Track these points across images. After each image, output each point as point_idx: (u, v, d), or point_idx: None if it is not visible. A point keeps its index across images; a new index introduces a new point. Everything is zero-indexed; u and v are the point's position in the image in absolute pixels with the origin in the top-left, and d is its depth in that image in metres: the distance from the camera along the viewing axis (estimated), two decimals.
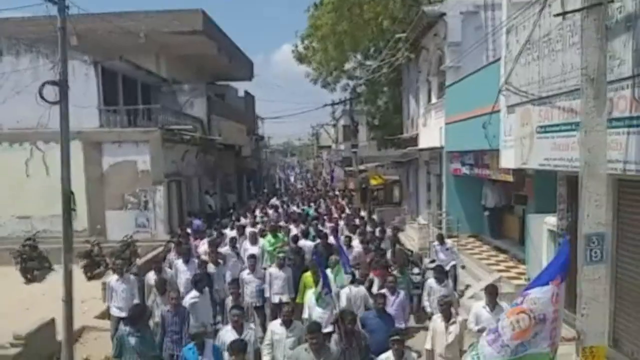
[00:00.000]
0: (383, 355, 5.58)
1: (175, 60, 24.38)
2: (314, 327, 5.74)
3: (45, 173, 16.68)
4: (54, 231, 14.47)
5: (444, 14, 13.86)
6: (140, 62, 19.91)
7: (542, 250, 8.96)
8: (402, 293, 7.79)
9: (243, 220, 15.08)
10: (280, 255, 9.61)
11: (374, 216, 19.52)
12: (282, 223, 14.26)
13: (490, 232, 13.61)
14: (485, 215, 13.56)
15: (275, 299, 8.86)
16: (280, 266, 9.17)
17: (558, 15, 5.16)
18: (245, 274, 9.08)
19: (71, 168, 17.52)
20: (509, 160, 8.06)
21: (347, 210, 19.30)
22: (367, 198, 23.68)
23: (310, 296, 7.33)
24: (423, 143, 17.40)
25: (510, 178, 9.57)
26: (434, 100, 16.07)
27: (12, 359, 7.76)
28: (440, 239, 10.92)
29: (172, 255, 10.89)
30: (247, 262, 9.28)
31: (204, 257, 10.19)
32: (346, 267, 7.94)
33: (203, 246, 11.58)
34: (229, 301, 7.68)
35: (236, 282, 8.27)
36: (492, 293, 6.94)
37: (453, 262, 10.47)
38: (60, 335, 8.68)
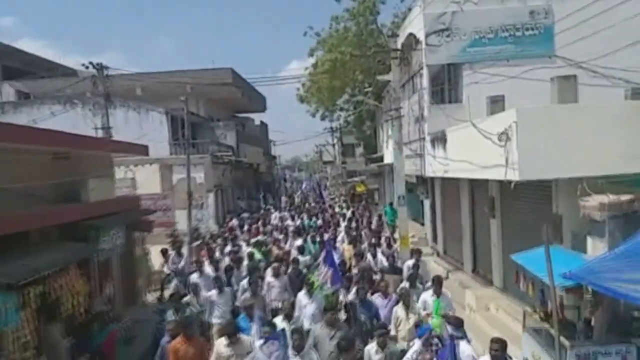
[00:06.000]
0: (369, 345, 6.19)
1: (210, 102, 33.07)
2: (329, 307, 6.85)
3: (132, 185, 25.15)
4: None
5: (389, 80, 22.16)
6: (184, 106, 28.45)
7: (427, 216, 17.23)
8: (394, 296, 8.10)
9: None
10: (275, 264, 9.93)
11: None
12: (280, 236, 15.15)
13: (422, 215, 21.82)
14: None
15: (272, 305, 9.14)
16: (276, 275, 9.53)
17: (386, 121, 13.46)
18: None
19: (152, 182, 26.43)
20: None
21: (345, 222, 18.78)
22: (354, 201, 31.89)
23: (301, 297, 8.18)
24: (386, 160, 25.70)
25: (413, 180, 17.78)
26: (390, 132, 24.37)
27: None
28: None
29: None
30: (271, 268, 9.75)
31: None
32: (335, 277, 7.85)
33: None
34: (246, 294, 8.61)
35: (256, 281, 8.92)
36: (438, 283, 7.88)
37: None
38: None
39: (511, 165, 7.64)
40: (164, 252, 13.50)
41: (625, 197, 6.73)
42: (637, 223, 6.39)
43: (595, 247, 6.98)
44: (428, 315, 7.56)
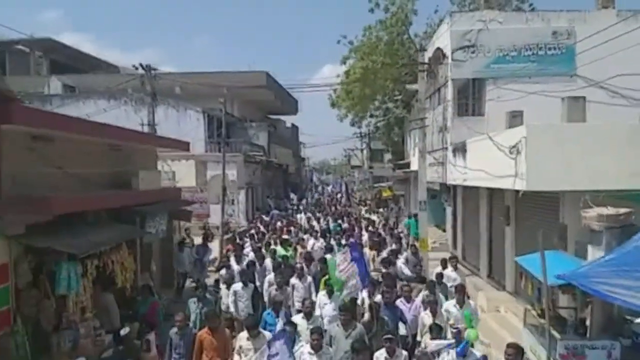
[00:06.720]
0: (377, 353, 6.16)
1: (244, 103, 34.34)
2: (345, 307, 6.91)
3: (172, 178, 26.49)
4: None
5: (417, 90, 22.86)
6: (220, 106, 29.70)
7: (449, 222, 17.88)
8: (417, 301, 8.28)
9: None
10: (298, 266, 10.06)
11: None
12: (305, 236, 15.52)
13: (444, 221, 22.41)
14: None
15: (297, 306, 9.10)
16: (300, 277, 9.58)
17: (413, 129, 14.20)
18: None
19: (188, 177, 27.69)
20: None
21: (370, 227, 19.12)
22: (380, 205, 32.63)
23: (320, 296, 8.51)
24: (413, 167, 26.35)
25: (437, 187, 18.43)
26: (416, 140, 25.06)
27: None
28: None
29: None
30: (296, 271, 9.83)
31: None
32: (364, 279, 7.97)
33: (248, 248, 13.40)
34: (272, 290, 8.99)
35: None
36: (460, 292, 7.96)
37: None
38: None
39: (520, 176, 8.35)
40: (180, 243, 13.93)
41: (622, 210, 7.37)
42: (633, 234, 7.04)
43: (594, 255, 7.59)
44: (451, 325, 7.27)
